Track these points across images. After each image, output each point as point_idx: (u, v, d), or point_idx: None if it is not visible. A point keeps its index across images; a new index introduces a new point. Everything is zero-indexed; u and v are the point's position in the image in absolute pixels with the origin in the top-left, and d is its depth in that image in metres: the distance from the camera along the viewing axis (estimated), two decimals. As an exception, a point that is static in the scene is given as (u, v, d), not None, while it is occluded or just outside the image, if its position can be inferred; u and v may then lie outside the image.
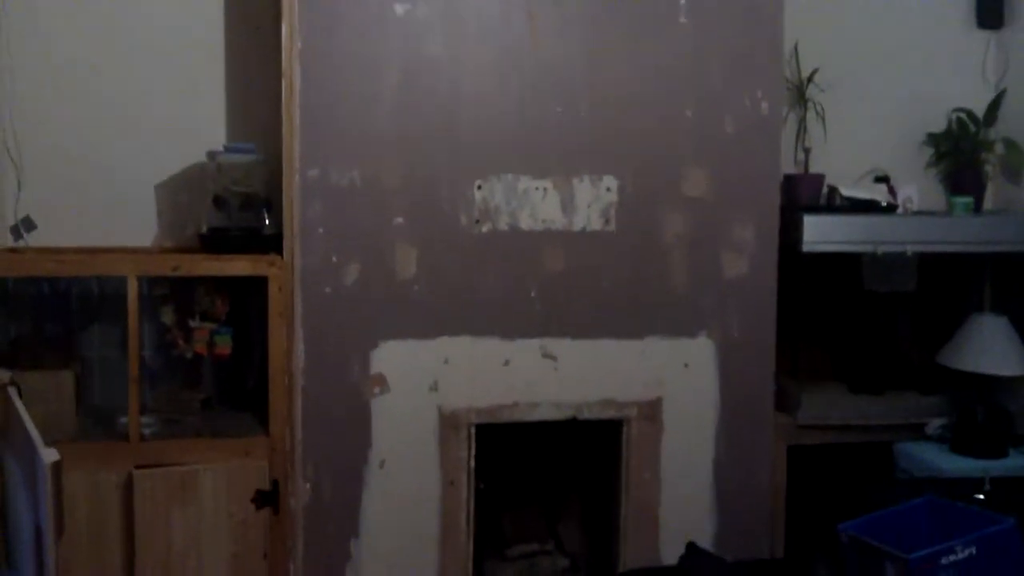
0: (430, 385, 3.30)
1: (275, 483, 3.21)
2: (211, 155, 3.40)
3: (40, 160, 3.47)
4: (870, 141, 3.99)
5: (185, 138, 3.53)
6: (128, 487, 3.10)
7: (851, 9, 3.96)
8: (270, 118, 3.40)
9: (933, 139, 4.01)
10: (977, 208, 3.87)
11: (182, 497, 3.12)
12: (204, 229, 3.39)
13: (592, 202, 3.35)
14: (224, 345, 3.34)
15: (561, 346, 3.37)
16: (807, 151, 3.84)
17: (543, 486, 3.90)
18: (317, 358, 3.22)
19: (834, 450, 3.68)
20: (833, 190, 3.77)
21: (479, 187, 3.28)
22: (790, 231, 3.50)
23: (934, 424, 3.64)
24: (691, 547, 3.32)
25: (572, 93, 3.31)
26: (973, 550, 2.56)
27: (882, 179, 3.87)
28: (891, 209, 3.69)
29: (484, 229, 3.30)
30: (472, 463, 3.35)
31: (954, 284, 3.94)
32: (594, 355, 3.39)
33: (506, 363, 3.34)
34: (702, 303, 3.44)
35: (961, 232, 3.64)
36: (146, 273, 3.20)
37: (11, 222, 3.43)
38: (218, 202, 3.38)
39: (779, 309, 3.49)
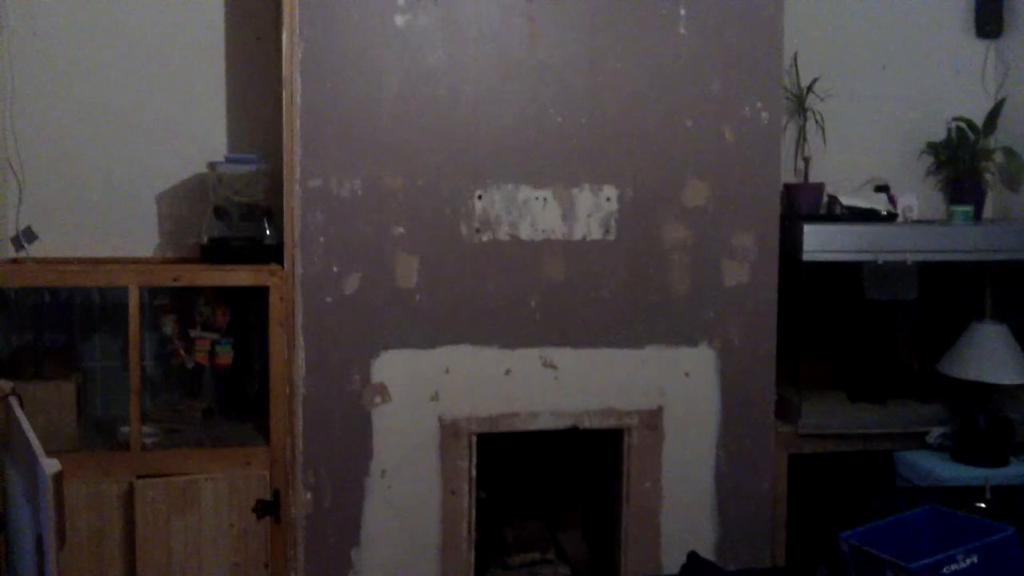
0: (431, 394, 3.30)
1: (276, 492, 3.21)
2: (212, 165, 3.40)
3: (41, 171, 3.48)
4: (870, 150, 4.00)
5: (186, 148, 3.54)
6: (129, 497, 3.10)
7: (851, 18, 3.97)
8: (271, 128, 3.42)
9: (933, 148, 4.02)
10: (977, 216, 3.87)
11: (183, 506, 3.13)
12: (205, 239, 3.40)
13: (592, 211, 3.35)
14: (225, 355, 3.35)
15: (562, 355, 3.37)
16: (807, 160, 3.85)
17: (544, 495, 3.90)
18: (318, 368, 3.23)
19: (835, 459, 3.68)
20: (833, 199, 3.78)
21: (479, 197, 3.28)
22: (790, 240, 3.51)
23: (935, 433, 3.63)
24: (692, 556, 3.31)
25: (572, 103, 3.32)
26: (975, 559, 2.56)
27: (882, 188, 3.88)
28: (891, 218, 3.70)
29: (484, 238, 3.30)
30: (473, 472, 3.35)
31: (954, 293, 3.94)
32: (595, 364, 3.39)
33: (507, 372, 3.35)
34: (703, 312, 3.44)
35: (961, 241, 3.64)
36: (147, 283, 3.20)
37: (12, 232, 3.43)
38: (219, 212, 3.39)
39: (780, 318, 3.50)
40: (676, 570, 3.32)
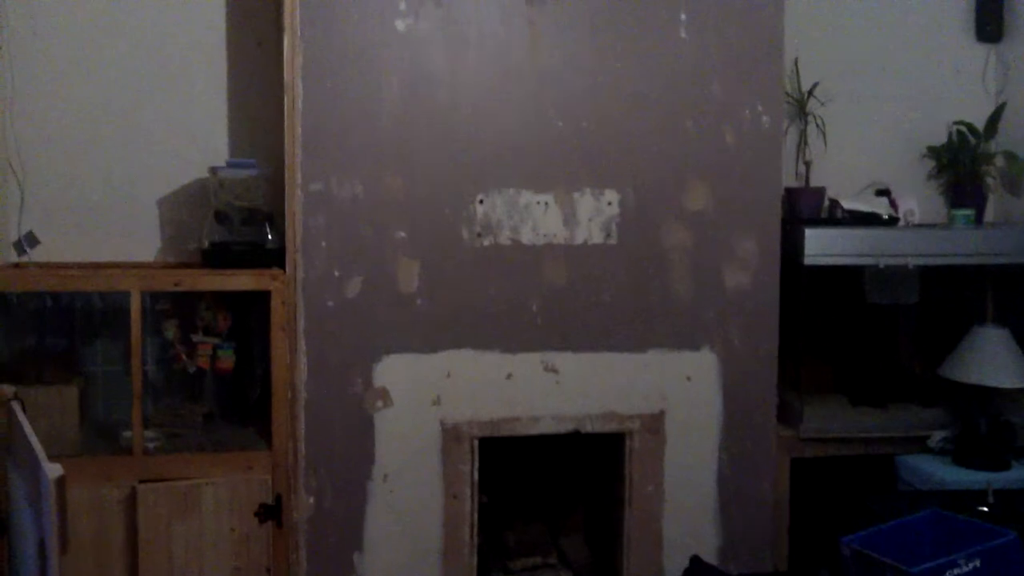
0: (432, 398, 3.30)
1: (278, 497, 3.21)
2: (213, 170, 3.41)
3: (43, 175, 3.49)
4: (871, 154, 4.00)
5: (187, 153, 3.55)
6: (132, 501, 3.10)
7: (852, 23, 3.97)
8: (272, 133, 3.42)
9: (934, 152, 4.01)
10: (978, 220, 3.87)
11: (185, 511, 3.13)
12: (206, 244, 3.40)
13: (594, 216, 3.35)
14: (227, 359, 3.36)
15: (563, 359, 3.37)
16: (808, 164, 3.85)
17: (546, 499, 3.90)
18: (319, 372, 3.23)
19: (837, 463, 3.68)
20: (834, 203, 3.78)
21: (481, 201, 3.28)
22: (792, 244, 3.51)
23: (936, 436, 3.63)
24: (695, 560, 3.31)
25: (573, 107, 3.32)
26: (977, 563, 2.55)
27: (883, 192, 3.88)
28: (892, 222, 3.70)
29: (486, 243, 3.30)
30: (475, 476, 3.35)
31: (956, 296, 3.94)
32: (596, 368, 3.39)
33: (508, 376, 3.35)
34: (704, 316, 3.44)
35: (962, 244, 3.64)
36: (149, 288, 3.20)
37: (14, 237, 3.44)
38: (220, 217, 3.39)
39: (781, 322, 3.50)
40: (678, 574, 3.32)
